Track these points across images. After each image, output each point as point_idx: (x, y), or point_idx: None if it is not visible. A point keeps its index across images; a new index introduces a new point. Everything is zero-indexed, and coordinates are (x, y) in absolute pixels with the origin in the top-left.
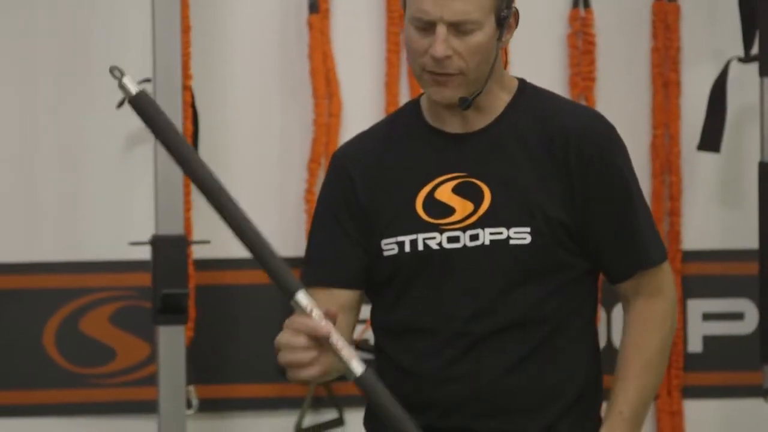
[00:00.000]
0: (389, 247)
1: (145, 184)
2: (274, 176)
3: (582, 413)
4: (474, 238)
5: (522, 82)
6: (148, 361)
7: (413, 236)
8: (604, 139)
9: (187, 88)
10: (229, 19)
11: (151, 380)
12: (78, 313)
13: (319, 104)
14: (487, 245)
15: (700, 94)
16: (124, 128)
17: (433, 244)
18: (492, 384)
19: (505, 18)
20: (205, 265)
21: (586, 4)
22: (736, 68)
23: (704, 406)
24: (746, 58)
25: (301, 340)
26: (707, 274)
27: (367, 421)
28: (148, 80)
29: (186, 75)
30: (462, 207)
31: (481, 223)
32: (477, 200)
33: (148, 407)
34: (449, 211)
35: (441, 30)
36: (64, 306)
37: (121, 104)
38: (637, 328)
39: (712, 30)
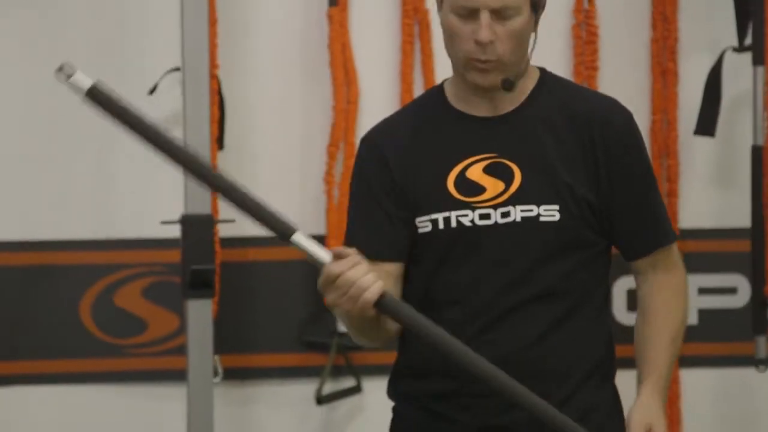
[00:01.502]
0: (423, 224)
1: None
2: (296, 159)
3: (602, 377)
4: (505, 215)
5: (543, 71)
6: (177, 333)
7: (446, 214)
8: (625, 122)
9: (213, 77)
10: (253, 12)
11: (181, 350)
12: (112, 287)
13: (338, 92)
14: (518, 222)
15: (697, 82)
16: (155, 113)
17: (465, 221)
18: (519, 352)
19: (538, 4)
20: (229, 242)
21: None
22: (730, 58)
23: (700, 374)
24: (740, 48)
25: (354, 266)
26: (702, 251)
27: (391, 389)
28: (177, 69)
29: (213, 64)
30: (493, 186)
31: (512, 201)
32: (508, 179)
33: (177, 375)
34: (480, 189)
35: (485, 16)
36: (100, 281)
37: (152, 91)
38: (662, 298)
39: (708, 22)
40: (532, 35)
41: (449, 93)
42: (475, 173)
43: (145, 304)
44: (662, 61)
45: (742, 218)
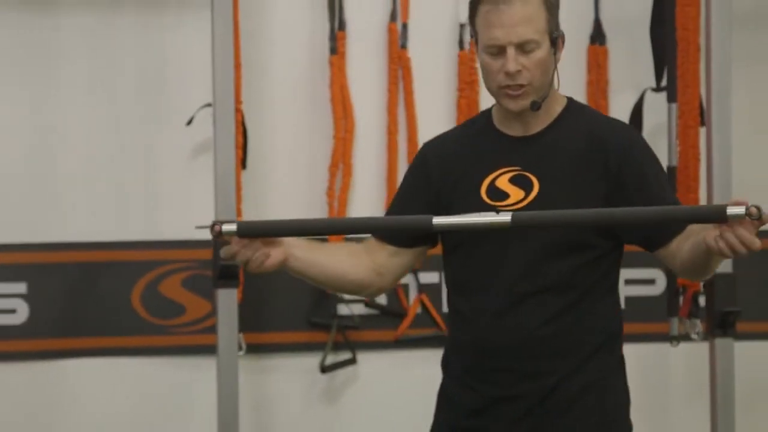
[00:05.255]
0: None
1: (207, 182)
2: (303, 177)
3: (606, 353)
4: None
5: (570, 99)
6: (209, 315)
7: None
8: (633, 141)
9: (238, 111)
10: (270, 58)
11: (212, 329)
12: (158, 279)
13: (337, 123)
14: None
15: (623, 116)
16: (191, 140)
17: None
18: (531, 333)
19: (556, 38)
20: None
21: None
22: (650, 96)
23: (626, 348)
24: (657, 89)
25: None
26: (629, 250)
27: (442, 361)
28: (209, 104)
29: (238, 100)
30: (515, 193)
31: (529, 207)
32: (528, 189)
33: (209, 350)
34: (505, 195)
35: (510, 51)
36: (148, 273)
37: (189, 122)
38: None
39: (632, 67)
40: (554, 66)
41: (494, 115)
42: (503, 182)
43: (183, 293)
44: (596, 98)
45: None
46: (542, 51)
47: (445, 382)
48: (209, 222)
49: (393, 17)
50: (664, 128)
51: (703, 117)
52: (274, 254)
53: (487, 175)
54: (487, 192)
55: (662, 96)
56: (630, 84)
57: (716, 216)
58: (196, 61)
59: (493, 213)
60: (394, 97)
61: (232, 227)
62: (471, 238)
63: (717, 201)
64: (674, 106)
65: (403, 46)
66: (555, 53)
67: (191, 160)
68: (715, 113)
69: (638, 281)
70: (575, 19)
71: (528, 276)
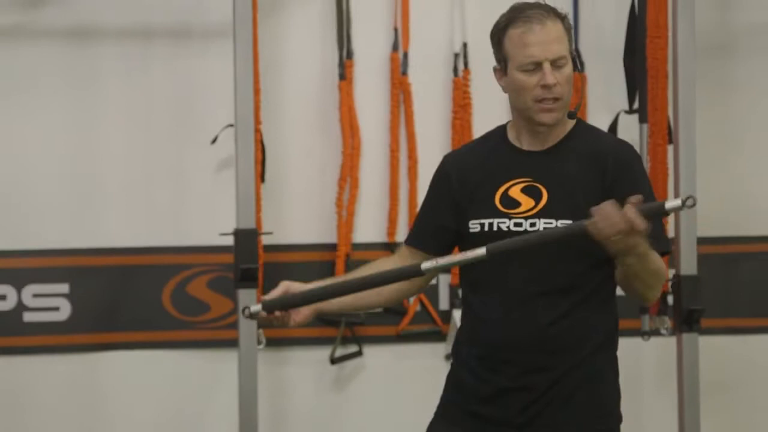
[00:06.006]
0: (474, 226)
1: (229, 194)
2: (315, 189)
3: (604, 351)
4: (533, 225)
5: (579, 119)
6: (231, 313)
7: (491, 220)
8: (628, 156)
9: (257, 131)
10: (286, 84)
11: (234, 325)
12: (186, 280)
13: (346, 141)
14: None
15: None
16: (216, 157)
17: (503, 227)
18: (538, 330)
19: (575, 56)
20: (269, 249)
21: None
22: (623, 117)
23: None
24: (630, 111)
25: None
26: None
27: (453, 350)
28: (231, 125)
29: (257, 121)
30: (526, 202)
31: (539, 215)
32: (537, 198)
33: (231, 344)
34: (517, 204)
35: (547, 66)
36: (177, 275)
37: (214, 141)
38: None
39: (607, 92)
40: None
41: (509, 131)
42: (515, 192)
43: (208, 293)
44: None
45: None
46: (569, 68)
47: (455, 368)
48: (231, 229)
49: (395, 47)
50: (636, 146)
51: (670, 136)
52: (303, 312)
53: (501, 185)
54: (501, 200)
55: (634, 117)
56: (605, 107)
57: (656, 212)
58: (219, 86)
59: (471, 250)
60: (396, 118)
61: (258, 308)
62: (481, 245)
63: (684, 212)
64: (645, 126)
65: (404, 73)
66: (574, 69)
67: (216, 175)
68: (682, 132)
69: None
70: None
71: (537, 278)
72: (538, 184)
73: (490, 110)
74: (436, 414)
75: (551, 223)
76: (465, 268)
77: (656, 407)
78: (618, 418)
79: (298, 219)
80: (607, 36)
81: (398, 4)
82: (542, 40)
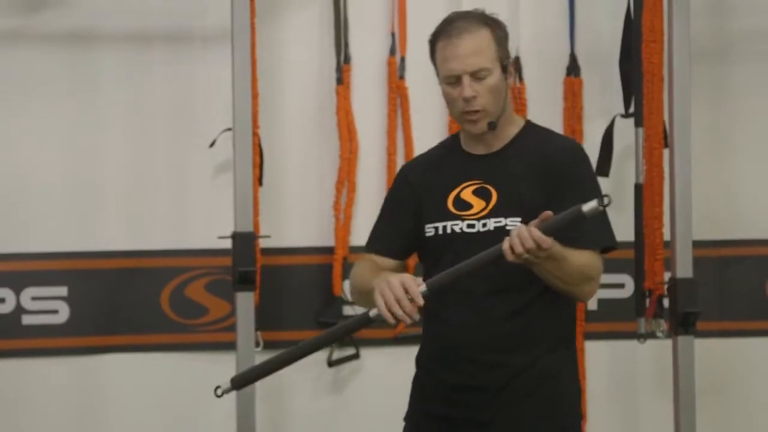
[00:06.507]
0: (429, 230)
1: (227, 197)
2: (313, 193)
3: (560, 348)
4: (484, 225)
5: (528, 121)
6: (229, 315)
7: (445, 223)
8: (573, 157)
9: (255, 134)
10: (284, 88)
11: (232, 328)
12: (184, 283)
13: (343, 145)
14: (491, 230)
15: (596, 139)
16: (214, 160)
17: (457, 229)
18: (493, 329)
19: (506, 65)
20: (266, 252)
21: (520, 79)
22: (619, 121)
23: (599, 345)
24: (626, 115)
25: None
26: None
27: (419, 356)
28: (229, 129)
29: (255, 125)
30: (478, 204)
31: (489, 215)
32: (487, 199)
33: (229, 346)
34: (469, 206)
35: (465, 79)
36: (175, 278)
37: (212, 144)
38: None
39: (603, 96)
40: (507, 89)
41: (461, 137)
42: (467, 194)
43: (206, 295)
44: (572, 123)
45: (628, 234)
46: (494, 78)
47: (418, 374)
48: (229, 232)
49: (392, 52)
50: (632, 150)
51: (666, 139)
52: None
53: (453, 189)
54: (454, 203)
55: (630, 121)
56: (602, 111)
57: (574, 217)
58: (218, 90)
59: (418, 294)
60: (393, 122)
61: (228, 386)
62: (440, 248)
63: (679, 214)
64: (641, 130)
65: (401, 77)
66: (506, 78)
67: (214, 178)
68: (677, 136)
69: (609, 285)
70: (553, 53)
71: (491, 276)
72: (488, 186)
73: None
74: (406, 419)
75: (500, 221)
76: (426, 269)
77: (652, 410)
78: (579, 416)
79: (295, 222)
80: (604, 41)
81: (395, 9)
82: (459, 54)
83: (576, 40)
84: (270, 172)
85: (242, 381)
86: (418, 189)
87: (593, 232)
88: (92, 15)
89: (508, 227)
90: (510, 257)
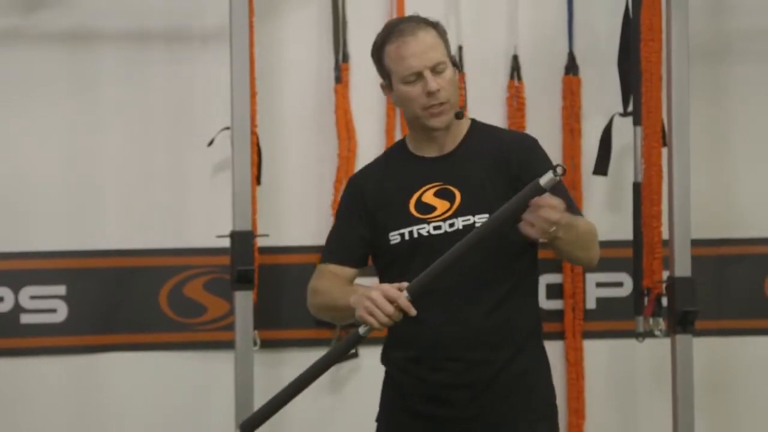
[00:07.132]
0: (394, 237)
1: (226, 196)
2: (311, 192)
3: (534, 341)
4: (451, 225)
5: (473, 120)
6: (228, 314)
7: (410, 228)
8: (528, 145)
9: (253, 133)
10: (282, 86)
11: (230, 327)
12: (182, 282)
13: (342, 144)
14: (460, 229)
15: (595, 137)
16: (212, 159)
17: (423, 232)
18: (471, 326)
19: (454, 62)
20: (265, 251)
21: (519, 78)
22: (618, 120)
23: (598, 343)
24: (624, 114)
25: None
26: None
27: (383, 356)
28: (227, 128)
29: (253, 124)
30: (441, 205)
31: (456, 215)
32: (451, 200)
33: (227, 345)
34: (432, 208)
35: (428, 73)
36: (174, 277)
37: (210, 143)
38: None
39: (602, 94)
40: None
41: (409, 142)
42: (428, 197)
43: (205, 294)
44: (570, 122)
45: (627, 233)
46: (450, 71)
47: (391, 374)
48: (228, 231)
49: None
50: (631, 148)
51: (664, 138)
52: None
53: (413, 193)
54: (416, 207)
55: (629, 120)
56: (600, 109)
57: (533, 192)
58: (216, 89)
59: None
60: (392, 120)
61: None
62: (407, 253)
63: (677, 213)
64: (639, 129)
65: None
66: (456, 72)
67: (212, 177)
68: (676, 135)
69: (608, 284)
70: (552, 52)
71: (465, 274)
72: (449, 186)
73: (485, 113)
74: (378, 420)
75: (469, 219)
76: (386, 278)
77: (650, 408)
78: (555, 408)
79: (293, 221)
80: (602, 40)
81: (393, 8)
82: (417, 51)
83: (574, 39)
84: (268, 171)
85: (251, 424)
86: (373, 198)
87: (571, 207)
88: (91, 15)
89: (477, 224)
90: (539, 234)
